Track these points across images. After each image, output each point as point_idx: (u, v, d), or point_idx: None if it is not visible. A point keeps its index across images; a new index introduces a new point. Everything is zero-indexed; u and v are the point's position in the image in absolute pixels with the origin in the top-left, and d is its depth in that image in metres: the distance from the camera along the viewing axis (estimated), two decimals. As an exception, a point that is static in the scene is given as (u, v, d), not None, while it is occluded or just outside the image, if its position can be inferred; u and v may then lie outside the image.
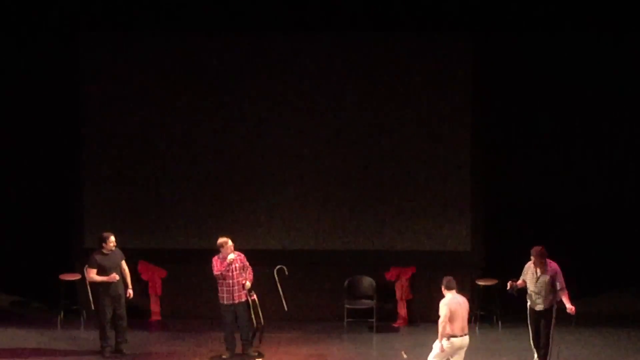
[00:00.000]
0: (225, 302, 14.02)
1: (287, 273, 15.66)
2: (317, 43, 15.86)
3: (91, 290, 14.62)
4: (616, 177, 15.81)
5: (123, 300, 14.36)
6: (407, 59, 15.80)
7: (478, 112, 15.70)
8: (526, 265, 13.72)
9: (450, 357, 12.89)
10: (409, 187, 15.88)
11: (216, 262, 14.01)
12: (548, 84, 15.65)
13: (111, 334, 14.38)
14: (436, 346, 12.81)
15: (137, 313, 15.38)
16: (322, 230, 15.97)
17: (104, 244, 14.27)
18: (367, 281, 15.75)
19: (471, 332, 15.15)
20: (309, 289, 15.91)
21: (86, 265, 14.54)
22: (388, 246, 15.83)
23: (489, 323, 15.50)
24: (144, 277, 16.02)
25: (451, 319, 12.79)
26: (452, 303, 12.82)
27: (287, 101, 15.93)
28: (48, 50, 15.83)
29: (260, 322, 14.21)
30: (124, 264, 14.46)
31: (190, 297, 16.01)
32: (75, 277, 15.73)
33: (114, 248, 14.31)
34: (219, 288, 14.04)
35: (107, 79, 16.00)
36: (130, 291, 14.49)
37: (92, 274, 14.24)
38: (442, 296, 13.00)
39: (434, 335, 14.23)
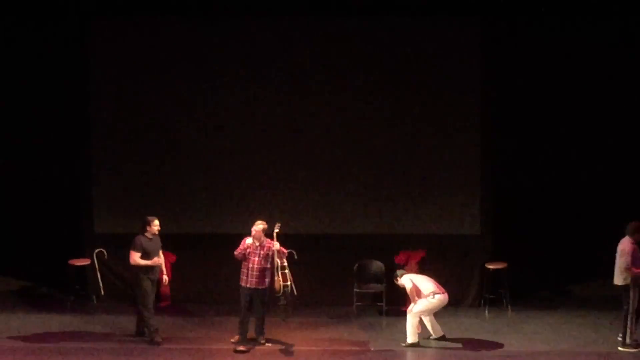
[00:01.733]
0: (242, 284, 13.89)
1: (296, 257, 15.66)
2: (326, 28, 15.84)
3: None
4: (627, 161, 15.77)
5: (157, 285, 14.26)
6: (416, 43, 15.79)
7: (487, 97, 15.69)
8: (627, 248, 13.33)
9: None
10: (419, 171, 15.89)
11: (242, 243, 13.90)
12: (558, 68, 15.63)
13: (134, 319, 14.28)
14: (421, 303, 13.72)
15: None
16: (332, 214, 15.98)
17: (147, 228, 13.91)
18: (377, 265, 15.77)
19: (481, 316, 15.30)
20: (318, 273, 15.90)
21: (130, 249, 13.92)
22: (397, 230, 15.84)
23: (498, 306, 15.50)
24: (154, 261, 16.04)
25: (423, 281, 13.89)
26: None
27: (298, 87, 15.91)
28: (57, 37, 15.84)
29: (294, 294, 14.03)
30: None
31: (200, 282, 16.02)
32: (85, 262, 15.78)
33: (157, 232, 14.05)
34: (241, 270, 13.92)
35: (117, 64, 15.98)
36: (165, 277, 14.35)
37: (136, 257, 13.84)
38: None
39: (443, 317, 14.28)
